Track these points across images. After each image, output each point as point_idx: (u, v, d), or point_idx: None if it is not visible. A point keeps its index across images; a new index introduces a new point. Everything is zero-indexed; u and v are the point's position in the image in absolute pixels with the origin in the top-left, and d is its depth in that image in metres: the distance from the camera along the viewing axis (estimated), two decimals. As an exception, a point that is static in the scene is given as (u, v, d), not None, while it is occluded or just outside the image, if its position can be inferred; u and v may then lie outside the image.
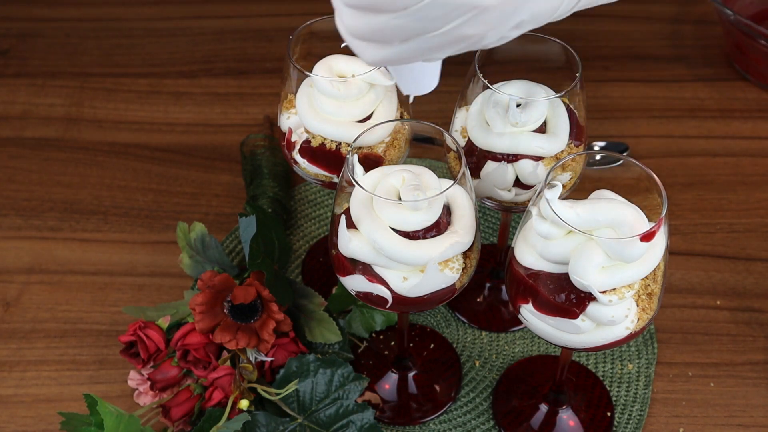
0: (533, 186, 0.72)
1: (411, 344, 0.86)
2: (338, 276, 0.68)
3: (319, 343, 0.82)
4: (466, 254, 0.66)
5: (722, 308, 0.88)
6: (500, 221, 0.84)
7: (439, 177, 0.65)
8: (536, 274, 0.63)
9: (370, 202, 0.63)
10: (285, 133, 0.77)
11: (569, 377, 0.82)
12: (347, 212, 0.65)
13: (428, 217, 0.63)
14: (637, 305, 0.63)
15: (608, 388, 0.82)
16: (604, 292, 0.61)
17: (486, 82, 0.71)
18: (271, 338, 0.76)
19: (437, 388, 0.83)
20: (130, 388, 0.81)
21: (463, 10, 0.46)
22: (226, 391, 0.75)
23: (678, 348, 0.85)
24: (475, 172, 0.73)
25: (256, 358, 0.77)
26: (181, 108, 1.09)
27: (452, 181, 0.64)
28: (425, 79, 0.57)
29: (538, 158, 0.71)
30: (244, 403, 0.75)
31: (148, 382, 0.78)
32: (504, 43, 0.51)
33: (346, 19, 0.49)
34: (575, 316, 0.62)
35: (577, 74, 0.71)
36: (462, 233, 0.64)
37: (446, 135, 0.66)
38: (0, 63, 1.14)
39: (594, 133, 1.04)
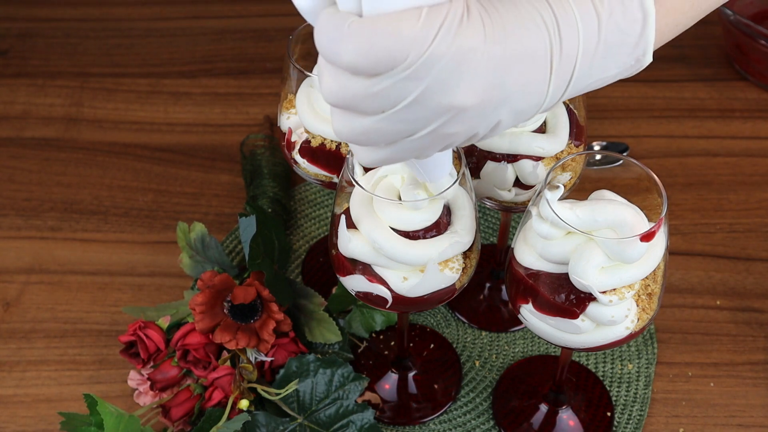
0: (533, 186, 0.72)
1: (411, 344, 0.86)
2: (338, 276, 0.68)
3: (319, 343, 0.82)
4: (466, 254, 0.66)
5: (722, 308, 0.88)
6: (500, 221, 0.84)
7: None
8: (536, 274, 0.63)
9: (370, 202, 0.63)
10: (285, 133, 0.77)
11: (569, 377, 0.82)
12: (347, 212, 0.65)
13: (428, 216, 0.63)
14: (637, 305, 0.63)
15: (608, 388, 0.82)
16: (604, 292, 0.61)
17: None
18: (271, 338, 0.76)
19: (437, 388, 0.83)
20: (130, 388, 0.81)
21: (441, 111, 0.46)
22: (226, 391, 0.75)
23: (678, 348, 0.85)
24: (475, 172, 0.72)
25: (256, 358, 0.77)
26: (181, 108, 1.09)
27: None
28: (437, 168, 0.58)
29: (538, 158, 0.71)
30: (244, 403, 0.75)
31: (148, 382, 0.78)
32: (495, 135, 0.51)
33: (333, 122, 0.49)
34: (575, 316, 0.62)
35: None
36: (462, 233, 0.64)
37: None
38: (0, 63, 1.14)
39: (594, 133, 1.04)
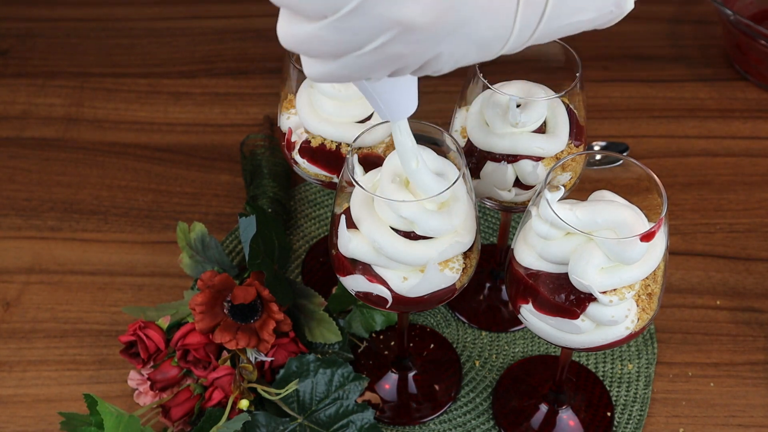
0: (533, 186, 0.72)
1: (411, 344, 0.86)
2: (338, 276, 0.68)
3: (319, 343, 0.82)
4: (466, 254, 0.66)
5: (722, 308, 0.88)
6: (500, 221, 0.84)
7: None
8: (536, 274, 0.63)
9: (370, 201, 0.63)
10: (285, 134, 0.77)
11: (569, 377, 0.82)
12: (347, 212, 0.65)
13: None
14: (637, 305, 0.63)
15: (608, 388, 0.82)
16: (604, 292, 0.61)
17: (486, 82, 0.71)
18: (271, 338, 0.76)
19: (437, 388, 0.83)
20: (130, 388, 0.81)
21: (387, 24, 0.44)
22: (226, 391, 0.75)
23: (678, 348, 0.85)
24: (475, 173, 0.73)
25: (256, 358, 0.77)
26: (181, 108, 1.09)
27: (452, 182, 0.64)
28: (401, 104, 0.55)
29: (538, 158, 0.71)
30: (244, 403, 0.75)
31: (148, 382, 0.78)
32: (453, 67, 0.48)
33: (278, 29, 0.47)
34: (576, 317, 0.62)
35: (577, 74, 0.71)
36: (462, 233, 0.64)
37: (446, 135, 0.66)
38: (0, 63, 1.14)
39: (594, 133, 1.04)
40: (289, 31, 0.46)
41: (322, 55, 0.47)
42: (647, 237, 0.59)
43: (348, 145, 0.73)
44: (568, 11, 0.47)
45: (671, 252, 0.92)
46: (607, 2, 0.49)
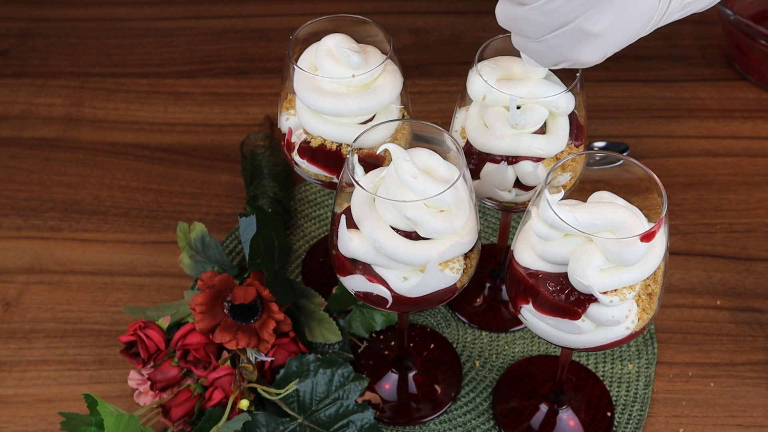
0: (534, 187, 0.72)
1: (411, 344, 0.86)
2: (338, 276, 0.68)
3: (319, 343, 0.82)
4: (466, 255, 0.66)
5: (722, 308, 0.88)
6: (500, 221, 0.84)
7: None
8: (536, 275, 0.63)
9: (371, 201, 0.63)
10: (285, 134, 0.77)
11: (569, 377, 0.82)
12: (347, 212, 0.65)
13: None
14: (638, 305, 0.63)
15: (608, 388, 0.82)
16: (605, 293, 0.61)
17: (486, 81, 0.71)
18: (271, 338, 0.76)
19: (437, 388, 0.83)
20: (130, 388, 0.81)
21: (588, 5, 0.56)
22: (226, 391, 0.75)
23: (678, 348, 0.85)
24: (475, 173, 0.72)
25: (256, 358, 0.77)
26: (181, 108, 1.09)
27: (452, 182, 0.64)
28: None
29: (538, 159, 0.71)
30: (244, 403, 0.75)
31: (148, 382, 0.78)
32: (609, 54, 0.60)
33: (497, 9, 0.60)
34: (577, 317, 0.62)
35: (577, 74, 0.70)
36: (463, 234, 0.64)
37: (446, 135, 0.66)
38: (0, 63, 1.14)
39: (594, 133, 1.04)
40: (503, 11, 0.60)
41: (530, 34, 0.59)
42: (647, 237, 0.59)
43: (348, 145, 0.73)
44: None
45: (671, 252, 0.92)
46: None
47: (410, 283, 0.64)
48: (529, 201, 0.71)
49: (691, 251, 0.93)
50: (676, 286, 0.90)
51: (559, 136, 0.71)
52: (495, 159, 0.71)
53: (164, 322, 0.79)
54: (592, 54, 0.60)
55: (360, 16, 0.75)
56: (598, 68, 1.17)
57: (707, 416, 0.81)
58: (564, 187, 0.70)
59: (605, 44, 0.59)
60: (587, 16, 0.57)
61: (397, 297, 0.65)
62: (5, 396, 0.83)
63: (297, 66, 0.73)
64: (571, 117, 0.72)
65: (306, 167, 0.76)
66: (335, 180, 0.76)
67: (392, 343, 0.85)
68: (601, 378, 0.83)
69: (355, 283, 0.66)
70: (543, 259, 0.62)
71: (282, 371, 0.77)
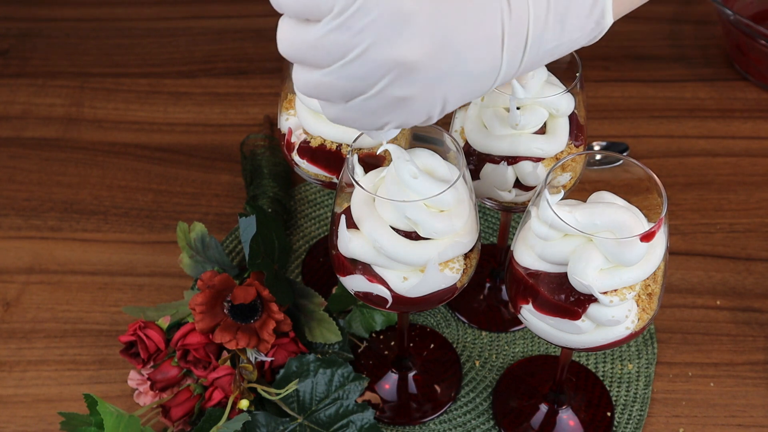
0: (534, 187, 0.72)
1: (411, 344, 0.86)
2: (338, 276, 0.68)
3: (319, 343, 0.82)
4: (466, 255, 0.66)
5: (722, 308, 0.88)
6: (500, 221, 0.84)
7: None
8: (536, 275, 0.63)
9: (371, 201, 0.63)
10: (285, 134, 0.77)
11: (569, 377, 0.82)
12: (347, 212, 0.65)
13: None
14: (638, 305, 0.63)
15: (608, 388, 0.82)
16: (605, 293, 0.61)
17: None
18: (271, 338, 0.76)
19: (437, 388, 0.83)
20: (130, 388, 0.81)
21: (386, 67, 0.47)
22: (226, 391, 0.75)
23: (678, 348, 0.85)
24: (475, 173, 0.72)
25: (256, 358, 0.77)
26: (181, 108, 1.09)
27: (452, 182, 0.64)
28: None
29: (537, 159, 0.71)
30: (244, 403, 0.75)
31: (148, 382, 0.78)
32: (452, 108, 0.51)
33: (293, 74, 0.51)
34: (577, 317, 0.62)
35: (577, 74, 0.70)
36: (462, 234, 0.64)
37: (446, 135, 0.66)
38: (0, 63, 1.14)
39: (594, 133, 1.04)
40: (300, 78, 0.50)
41: (333, 98, 0.50)
42: (647, 237, 0.59)
43: (348, 145, 0.73)
44: (550, 37, 0.50)
45: (671, 252, 0.92)
46: (587, 21, 0.51)
47: (410, 283, 0.64)
48: (529, 201, 0.71)
49: (691, 251, 0.93)
50: (676, 286, 0.90)
51: (559, 136, 0.71)
52: (495, 159, 0.71)
53: (164, 322, 0.79)
54: (414, 115, 0.50)
55: (360, 16, 0.75)
56: (598, 68, 1.17)
57: (707, 416, 0.81)
58: (564, 187, 0.70)
59: (424, 106, 0.50)
60: (392, 81, 0.48)
61: (397, 297, 0.65)
62: (5, 396, 0.83)
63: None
64: (571, 117, 0.72)
65: (306, 167, 0.76)
66: (335, 180, 0.76)
67: (392, 343, 0.85)
68: (601, 378, 0.83)
69: (355, 283, 0.66)
70: (543, 259, 0.62)
71: (282, 371, 0.77)
